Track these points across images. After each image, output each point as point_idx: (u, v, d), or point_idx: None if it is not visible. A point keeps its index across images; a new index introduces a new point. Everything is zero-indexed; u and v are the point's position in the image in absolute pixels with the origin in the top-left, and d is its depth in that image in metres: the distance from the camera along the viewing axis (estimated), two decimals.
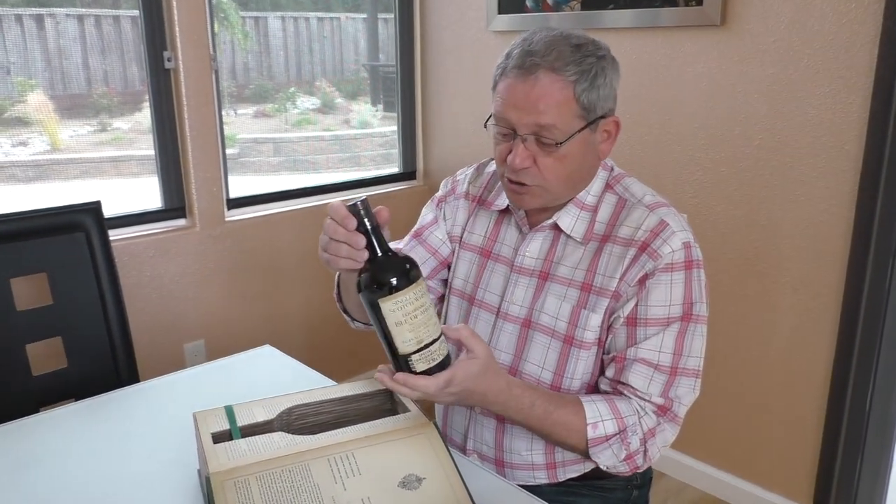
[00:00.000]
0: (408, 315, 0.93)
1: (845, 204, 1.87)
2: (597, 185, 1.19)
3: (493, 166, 1.35)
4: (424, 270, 1.34)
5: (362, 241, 0.94)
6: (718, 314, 2.16)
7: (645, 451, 1.11)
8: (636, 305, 1.11)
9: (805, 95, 1.89)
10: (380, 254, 0.94)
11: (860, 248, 1.86)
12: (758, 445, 2.17)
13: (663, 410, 1.11)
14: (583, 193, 1.18)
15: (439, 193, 1.39)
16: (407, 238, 1.37)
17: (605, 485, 1.25)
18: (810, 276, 1.97)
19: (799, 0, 1.86)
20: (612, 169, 1.22)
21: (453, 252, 1.34)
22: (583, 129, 1.09)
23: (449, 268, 1.36)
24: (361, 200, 0.94)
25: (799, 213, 1.96)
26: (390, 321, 0.93)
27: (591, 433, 1.08)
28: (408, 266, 0.94)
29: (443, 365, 0.98)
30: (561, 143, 1.08)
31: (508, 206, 1.24)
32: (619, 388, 1.13)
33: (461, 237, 1.33)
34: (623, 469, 1.11)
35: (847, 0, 1.78)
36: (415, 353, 0.95)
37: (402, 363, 0.97)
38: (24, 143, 2.23)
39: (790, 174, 1.96)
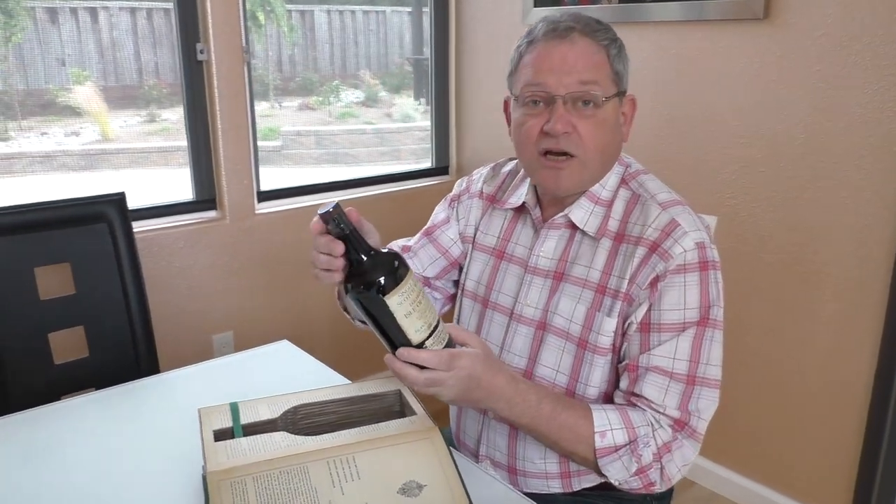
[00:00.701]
0: (414, 303, 0.93)
1: (892, 208, 1.78)
2: (612, 179, 1.15)
3: (509, 166, 1.32)
4: (434, 270, 1.31)
5: (339, 258, 0.93)
6: (756, 319, 2.08)
7: (661, 469, 1.04)
8: (649, 310, 1.06)
9: (852, 93, 1.80)
10: (366, 254, 0.93)
11: None
12: (793, 456, 2.09)
13: (680, 425, 1.05)
14: (597, 188, 1.14)
15: (453, 192, 1.36)
16: (418, 236, 1.34)
17: (623, 495, 1.20)
18: (853, 284, 1.88)
19: None
20: (628, 165, 1.18)
21: (464, 253, 1.31)
22: (616, 95, 1.10)
23: (460, 269, 1.33)
24: (334, 206, 0.92)
25: (843, 218, 1.87)
26: (400, 314, 0.92)
27: (598, 442, 1.03)
28: (396, 259, 0.93)
29: (450, 345, 0.98)
30: (607, 99, 1.07)
31: (524, 203, 1.21)
32: (633, 400, 1.07)
33: (474, 237, 1.29)
34: (636, 485, 1.05)
35: None
36: (429, 337, 0.95)
37: None
38: (76, 133, 2.27)
39: (834, 176, 1.87)
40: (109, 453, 1.14)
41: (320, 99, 2.91)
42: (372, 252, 0.94)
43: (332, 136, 3.05)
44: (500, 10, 2.65)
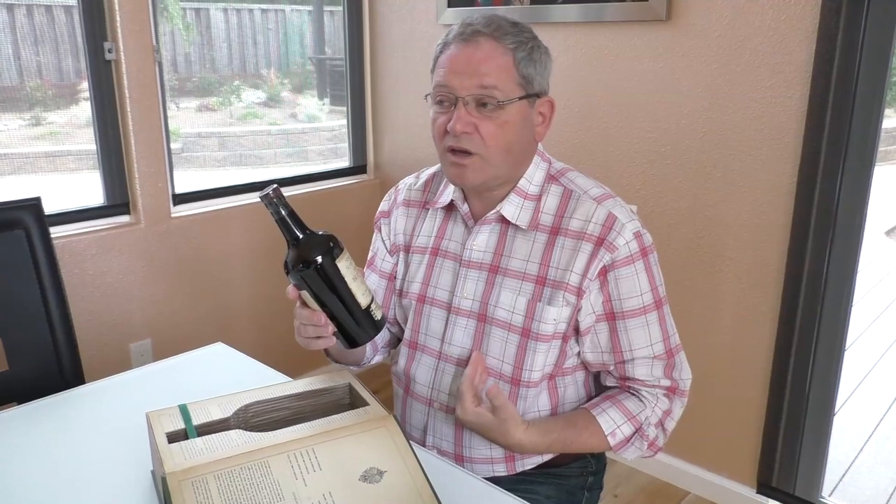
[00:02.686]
0: (356, 270, 1.03)
1: (785, 195, 1.94)
2: (538, 175, 1.21)
3: (431, 169, 1.36)
4: (380, 294, 1.36)
5: (323, 317, 1.02)
6: None
7: (664, 431, 1.21)
8: (609, 300, 1.15)
9: (747, 89, 1.95)
10: (303, 233, 1.00)
11: (799, 238, 1.93)
12: (704, 430, 2.23)
13: (672, 391, 1.20)
14: (524, 182, 1.20)
15: (381, 209, 1.39)
16: (365, 270, 1.38)
17: (562, 472, 1.28)
18: (752, 266, 2.04)
19: None
20: (551, 162, 1.24)
21: (395, 263, 1.35)
22: (522, 98, 1.13)
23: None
24: (273, 188, 0.98)
25: (741, 205, 2.02)
26: (348, 277, 1.00)
27: (611, 441, 1.17)
28: (332, 236, 1.01)
29: (384, 316, 1.09)
30: (503, 103, 1.11)
31: (452, 201, 1.25)
32: (627, 385, 1.19)
33: (406, 243, 1.33)
34: (648, 454, 1.21)
35: None
36: (371, 301, 1.04)
37: (361, 318, 1.03)
38: None
39: (732, 166, 2.02)
40: (43, 469, 1.09)
41: (220, 99, 2.85)
42: (308, 231, 1.01)
43: (236, 137, 3.00)
44: (414, 9, 2.69)
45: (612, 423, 1.17)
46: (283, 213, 0.99)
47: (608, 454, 1.32)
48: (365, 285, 1.04)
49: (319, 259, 0.98)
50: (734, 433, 2.18)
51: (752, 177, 1.99)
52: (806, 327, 1.97)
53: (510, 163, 1.17)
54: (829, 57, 1.78)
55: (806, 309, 1.96)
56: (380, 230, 1.38)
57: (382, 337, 1.38)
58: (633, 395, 1.19)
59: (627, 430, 1.17)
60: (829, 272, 1.92)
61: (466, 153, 1.12)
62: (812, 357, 1.99)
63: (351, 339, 1.06)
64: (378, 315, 1.05)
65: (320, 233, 1.01)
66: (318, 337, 1.06)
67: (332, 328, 1.04)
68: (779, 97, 1.90)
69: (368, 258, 1.39)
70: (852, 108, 1.80)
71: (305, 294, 1.03)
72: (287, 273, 1.01)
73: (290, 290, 1.04)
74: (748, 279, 2.05)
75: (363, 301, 1.02)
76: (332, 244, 1.00)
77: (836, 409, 2.13)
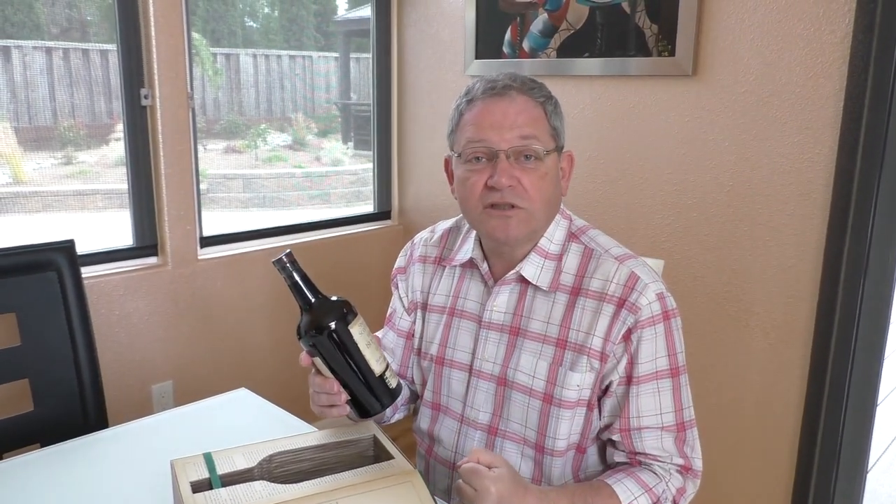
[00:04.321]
0: (370, 335, 1.01)
1: (813, 250, 1.92)
2: (558, 233, 1.18)
3: (447, 224, 1.34)
4: (398, 353, 1.33)
5: (336, 385, 1.02)
6: (690, 356, 2.17)
7: None
8: (630, 363, 1.10)
9: (774, 144, 1.95)
10: (317, 298, 0.99)
11: (829, 292, 1.90)
12: (731, 489, 2.17)
13: (686, 469, 1.12)
14: (545, 241, 1.17)
15: (397, 265, 1.37)
16: (384, 327, 1.37)
17: None
18: (781, 320, 2.01)
19: (767, 53, 1.93)
20: (571, 219, 1.22)
21: (414, 321, 1.32)
22: (554, 150, 1.13)
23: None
24: (286, 254, 0.98)
25: (769, 259, 2.00)
26: (362, 344, 0.99)
27: None
28: (346, 302, 1.01)
29: (400, 385, 1.07)
30: (547, 153, 1.10)
31: (472, 259, 1.22)
32: (637, 458, 1.12)
33: (424, 301, 1.30)
34: None
35: (813, 55, 1.85)
36: (386, 369, 1.02)
37: (376, 386, 1.02)
38: None
39: (760, 219, 2.01)
40: None
41: (246, 142, 2.91)
42: (321, 296, 1.00)
43: (261, 179, 3.04)
44: (442, 60, 2.74)
45: (629, 493, 1.07)
46: (297, 277, 0.98)
47: None
48: (380, 351, 1.01)
49: (332, 325, 0.97)
50: (763, 492, 2.12)
51: (780, 231, 1.97)
52: (836, 383, 1.93)
53: (548, 216, 1.16)
54: (858, 115, 1.78)
55: (836, 364, 1.92)
56: (397, 287, 1.35)
57: (402, 395, 1.36)
58: (646, 468, 1.12)
59: (645, 502, 1.08)
60: (859, 326, 1.89)
61: (510, 207, 1.10)
62: (843, 413, 1.94)
63: (363, 409, 1.05)
64: (393, 383, 1.03)
65: (333, 298, 1.00)
66: (332, 405, 1.04)
67: (345, 396, 1.02)
68: (806, 153, 1.90)
69: (387, 315, 1.37)
70: (881, 164, 1.79)
71: (318, 361, 1.01)
72: (299, 339, 1.00)
73: (303, 357, 1.03)
74: (776, 334, 2.02)
75: (377, 368, 1.00)
76: (345, 310, 0.98)
77: (868, 467, 2.07)
